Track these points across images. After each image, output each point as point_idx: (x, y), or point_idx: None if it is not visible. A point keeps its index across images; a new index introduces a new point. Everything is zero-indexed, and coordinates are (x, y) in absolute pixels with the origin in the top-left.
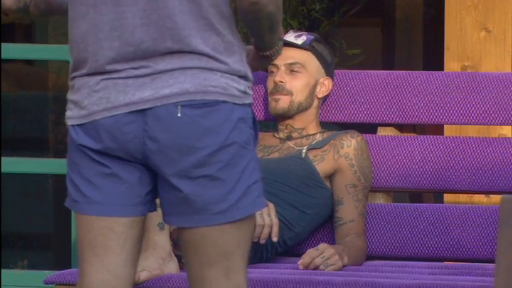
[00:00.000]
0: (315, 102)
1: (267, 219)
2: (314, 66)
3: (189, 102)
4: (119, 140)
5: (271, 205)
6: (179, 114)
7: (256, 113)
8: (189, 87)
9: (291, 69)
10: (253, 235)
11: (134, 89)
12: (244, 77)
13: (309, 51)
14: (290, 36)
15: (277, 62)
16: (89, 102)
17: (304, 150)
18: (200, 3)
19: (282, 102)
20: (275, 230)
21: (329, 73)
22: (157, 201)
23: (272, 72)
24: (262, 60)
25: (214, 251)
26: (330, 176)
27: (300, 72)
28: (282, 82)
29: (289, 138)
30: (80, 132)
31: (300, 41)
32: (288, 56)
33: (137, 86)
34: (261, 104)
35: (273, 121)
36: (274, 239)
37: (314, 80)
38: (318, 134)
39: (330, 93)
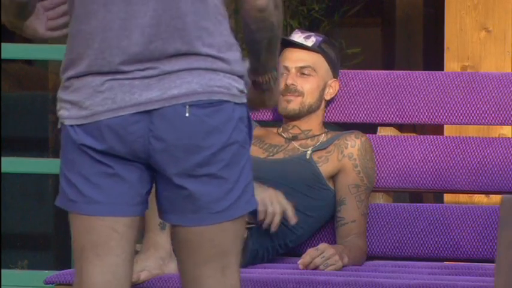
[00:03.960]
0: (323, 104)
1: (277, 207)
2: (324, 69)
3: (196, 102)
4: (124, 139)
5: (278, 192)
6: (187, 114)
7: (263, 113)
8: (197, 87)
9: (302, 72)
10: (244, 234)
11: (141, 90)
12: (242, 77)
13: (319, 54)
14: (299, 37)
15: (288, 64)
16: (92, 102)
17: (309, 152)
18: (207, 4)
19: (294, 104)
20: (290, 214)
21: (336, 75)
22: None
23: (282, 74)
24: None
25: (212, 250)
26: (333, 177)
27: (311, 75)
28: (294, 85)
29: (294, 138)
30: (80, 132)
31: (309, 43)
32: (298, 58)
33: (144, 86)
34: None
35: (278, 121)
36: (292, 222)
37: (323, 83)
38: (323, 135)
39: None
